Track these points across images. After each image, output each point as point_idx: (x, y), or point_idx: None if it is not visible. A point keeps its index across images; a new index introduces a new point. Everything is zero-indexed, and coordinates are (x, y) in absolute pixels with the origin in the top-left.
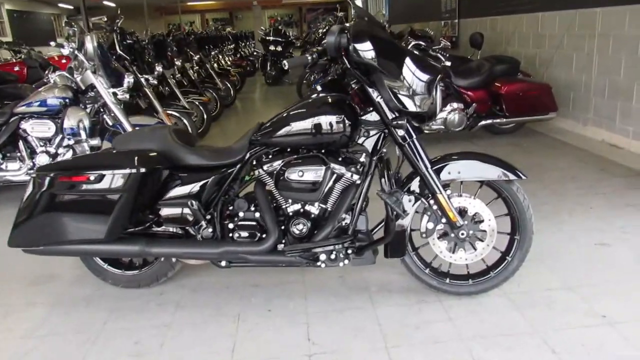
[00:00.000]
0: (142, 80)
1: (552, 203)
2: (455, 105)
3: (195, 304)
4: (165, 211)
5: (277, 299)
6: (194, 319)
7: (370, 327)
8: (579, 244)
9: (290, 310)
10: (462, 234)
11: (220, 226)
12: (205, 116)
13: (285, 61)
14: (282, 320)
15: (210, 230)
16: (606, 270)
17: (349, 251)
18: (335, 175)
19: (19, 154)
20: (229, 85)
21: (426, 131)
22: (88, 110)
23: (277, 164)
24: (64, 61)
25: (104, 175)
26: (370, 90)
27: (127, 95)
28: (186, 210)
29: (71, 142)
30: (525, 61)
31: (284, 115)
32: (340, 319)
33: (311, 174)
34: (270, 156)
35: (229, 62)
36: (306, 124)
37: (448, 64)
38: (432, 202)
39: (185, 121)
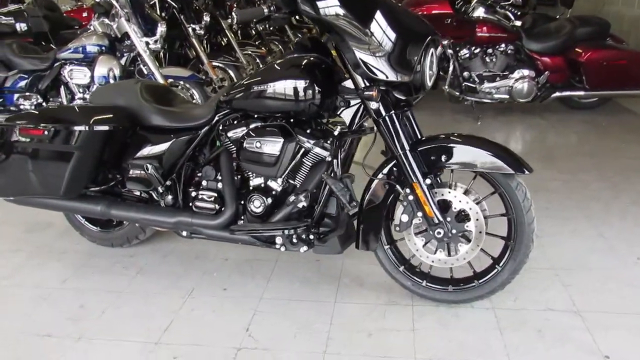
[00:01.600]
0: (190, 29)
1: (604, 200)
2: (524, 72)
3: (158, 271)
4: (129, 172)
5: (240, 277)
6: (148, 289)
7: (319, 327)
8: (615, 256)
9: (246, 293)
10: (439, 232)
11: (184, 194)
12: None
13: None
14: (232, 302)
15: (170, 197)
16: (636, 295)
17: (311, 237)
18: (302, 150)
19: (60, 100)
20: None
21: (486, 101)
22: (124, 59)
23: (240, 131)
24: (84, 14)
25: (58, 131)
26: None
27: (159, 45)
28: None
29: None
30: (627, 24)
31: (252, 76)
32: (292, 311)
33: (268, 145)
34: (235, 122)
35: None
36: (269, 88)
37: (518, 23)
38: (407, 191)
39: (231, 73)
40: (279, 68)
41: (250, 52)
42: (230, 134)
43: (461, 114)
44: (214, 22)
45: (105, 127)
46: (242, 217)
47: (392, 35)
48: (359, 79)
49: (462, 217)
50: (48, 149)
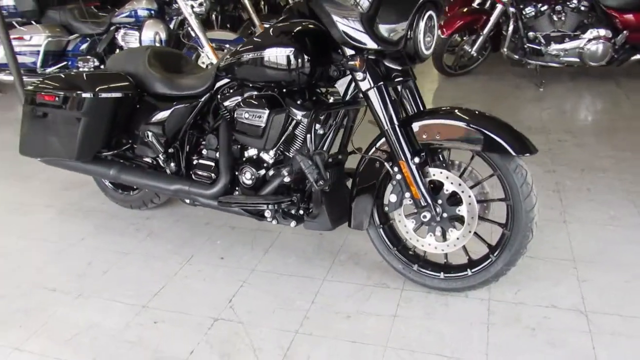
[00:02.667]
0: None
1: None
2: (598, 31)
3: (166, 235)
4: (136, 139)
5: (240, 246)
6: (152, 252)
7: (299, 304)
8: None
9: (240, 263)
10: (425, 216)
11: (187, 162)
12: None
13: None
14: (224, 272)
15: (173, 164)
16: None
17: (301, 212)
18: (294, 121)
19: None
20: None
21: (553, 64)
22: (173, 22)
23: (234, 100)
24: None
25: (67, 97)
26: None
27: (204, 8)
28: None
29: None
30: None
31: (245, 43)
32: (279, 286)
33: (255, 116)
34: (232, 90)
35: None
36: (258, 56)
37: None
38: (395, 169)
39: None
40: (269, 35)
41: None
42: (226, 103)
43: (524, 78)
44: None
45: (110, 94)
46: (237, 189)
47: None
48: (344, 47)
49: (455, 200)
50: (61, 114)
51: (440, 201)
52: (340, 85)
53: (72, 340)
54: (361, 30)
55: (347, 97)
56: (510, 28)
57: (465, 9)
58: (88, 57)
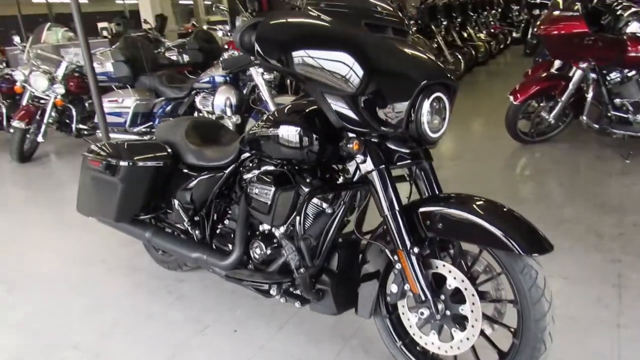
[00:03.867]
0: None
1: None
2: None
3: (192, 300)
4: (169, 205)
5: (257, 319)
6: (174, 317)
7: None
8: None
9: (251, 338)
10: (422, 312)
11: (211, 231)
12: None
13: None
14: (234, 346)
15: (198, 232)
16: None
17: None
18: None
19: None
20: (460, 58)
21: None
22: (246, 88)
23: (252, 173)
24: None
25: (109, 164)
26: None
27: (272, 76)
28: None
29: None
30: None
31: (264, 119)
32: None
33: (262, 193)
34: (251, 164)
35: (476, 32)
36: (271, 133)
37: None
38: (396, 258)
39: None
40: (283, 113)
41: None
42: (245, 176)
43: (609, 148)
44: None
45: (145, 164)
46: (250, 262)
47: (371, 81)
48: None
49: (460, 297)
50: (103, 178)
51: (443, 297)
52: (351, 164)
53: None
54: (356, 113)
55: (356, 177)
56: (590, 95)
57: (543, 74)
58: (168, 118)
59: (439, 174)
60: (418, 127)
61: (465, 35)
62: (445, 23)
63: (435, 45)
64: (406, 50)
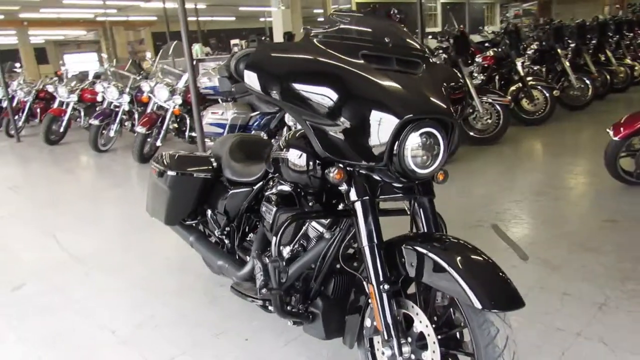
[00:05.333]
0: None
1: None
2: None
3: (221, 307)
4: (208, 213)
5: (269, 332)
6: (200, 318)
7: None
8: None
9: (259, 349)
10: (383, 352)
11: (239, 242)
12: (500, 119)
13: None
14: (238, 353)
15: (228, 242)
16: None
17: (293, 312)
18: (306, 222)
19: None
20: (588, 83)
21: None
22: None
23: (269, 192)
24: None
25: (162, 173)
26: None
27: None
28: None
29: None
30: None
31: (281, 140)
32: None
33: (268, 211)
34: (272, 182)
35: (618, 55)
36: (280, 156)
37: None
38: (369, 290)
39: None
40: (294, 136)
41: (490, 100)
42: (266, 193)
43: None
44: None
45: (190, 174)
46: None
47: (351, 113)
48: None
49: (425, 343)
50: (158, 184)
51: (409, 339)
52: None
53: None
54: (337, 143)
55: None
56: None
57: None
58: (261, 132)
59: (521, 206)
60: (401, 162)
61: (603, 58)
62: (573, 45)
63: (560, 69)
64: (394, 83)
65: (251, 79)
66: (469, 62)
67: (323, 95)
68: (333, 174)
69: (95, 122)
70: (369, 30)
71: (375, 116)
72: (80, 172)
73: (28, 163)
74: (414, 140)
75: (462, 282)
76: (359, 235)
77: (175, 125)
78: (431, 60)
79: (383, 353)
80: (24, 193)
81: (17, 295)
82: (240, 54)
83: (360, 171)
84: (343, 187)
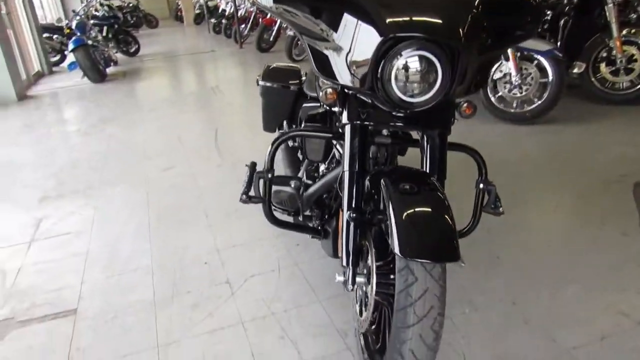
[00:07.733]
0: None
1: None
2: None
3: (289, 272)
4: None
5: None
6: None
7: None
8: None
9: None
10: (337, 277)
11: None
12: None
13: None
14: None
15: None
16: None
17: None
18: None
19: None
20: None
21: None
22: None
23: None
24: None
25: (258, 82)
26: None
27: None
28: None
29: None
30: None
31: None
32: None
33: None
34: None
35: None
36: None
37: None
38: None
39: None
40: None
41: None
42: (308, 112)
43: None
44: None
45: (272, 84)
46: None
47: (338, 27)
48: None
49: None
50: (260, 94)
51: (365, 271)
52: None
53: None
54: (326, 60)
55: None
56: None
57: None
58: None
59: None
60: (385, 88)
61: None
62: None
63: None
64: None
65: None
66: None
67: (315, 9)
68: (326, 94)
69: (290, 33)
70: None
71: (357, 27)
72: None
73: (243, 66)
74: (401, 64)
75: (393, 226)
76: (343, 158)
77: None
78: None
79: (336, 277)
80: (222, 93)
81: (165, 173)
82: None
83: (358, 95)
84: (337, 109)
